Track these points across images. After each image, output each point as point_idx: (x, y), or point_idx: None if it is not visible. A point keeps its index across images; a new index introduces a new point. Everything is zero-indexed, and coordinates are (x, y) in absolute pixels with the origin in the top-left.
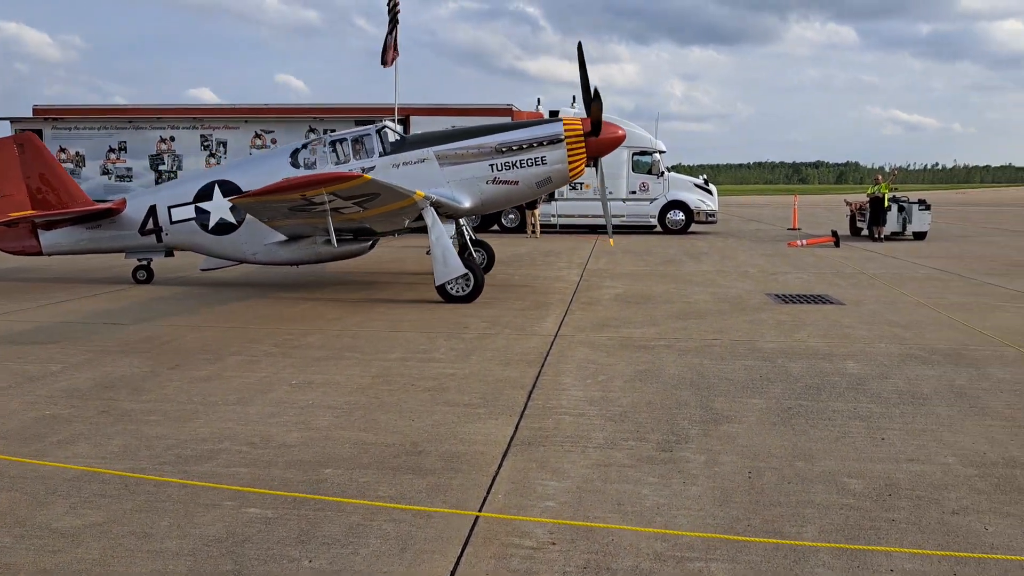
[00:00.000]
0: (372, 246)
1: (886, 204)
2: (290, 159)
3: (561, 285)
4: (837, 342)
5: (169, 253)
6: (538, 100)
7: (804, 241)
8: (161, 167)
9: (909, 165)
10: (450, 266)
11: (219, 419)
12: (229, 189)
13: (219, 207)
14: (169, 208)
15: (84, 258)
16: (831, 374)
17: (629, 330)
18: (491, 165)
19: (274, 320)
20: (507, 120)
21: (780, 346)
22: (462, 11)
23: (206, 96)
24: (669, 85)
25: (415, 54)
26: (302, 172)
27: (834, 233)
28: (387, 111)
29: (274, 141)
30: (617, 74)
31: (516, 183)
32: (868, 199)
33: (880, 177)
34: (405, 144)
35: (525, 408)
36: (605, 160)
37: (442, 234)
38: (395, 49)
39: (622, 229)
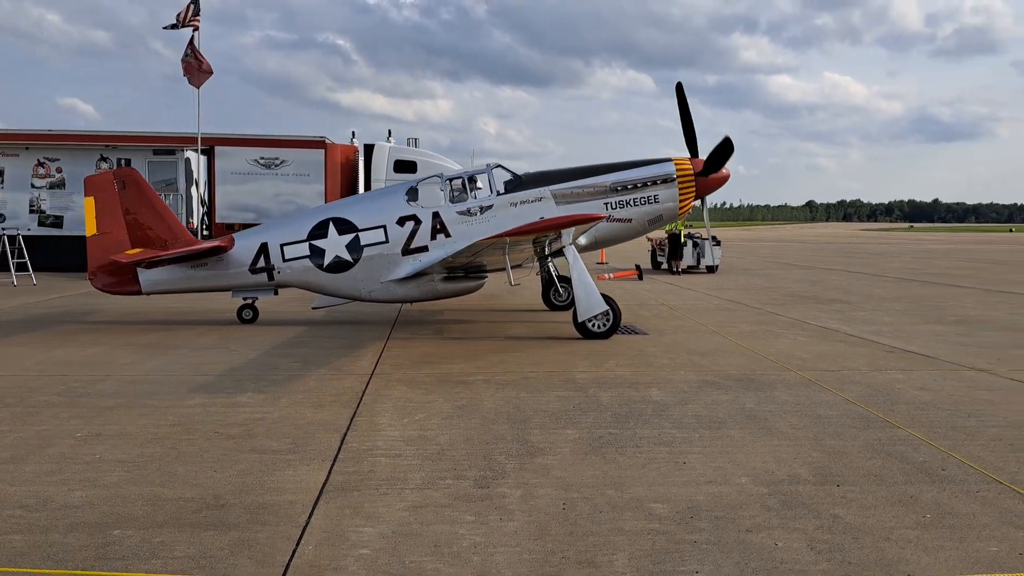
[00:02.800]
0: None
1: (682, 240)
2: (406, 197)
3: (376, 324)
4: (643, 370)
5: (275, 292)
6: (352, 133)
7: (611, 275)
8: None
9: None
10: (593, 303)
11: None
12: (344, 226)
13: (334, 244)
14: (282, 246)
15: None
16: (638, 402)
17: (448, 366)
18: (606, 203)
19: (58, 366)
20: (621, 160)
21: (591, 376)
22: (269, 40)
23: None
24: (483, 122)
25: (219, 81)
26: (421, 210)
27: (637, 267)
28: (189, 140)
29: (59, 170)
30: (431, 110)
31: (629, 221)
32: (667, 235)
33: None
34: (522, 183)
35: (339, 452)
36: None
37: (583, 271)
38: (203, 67)
39: None
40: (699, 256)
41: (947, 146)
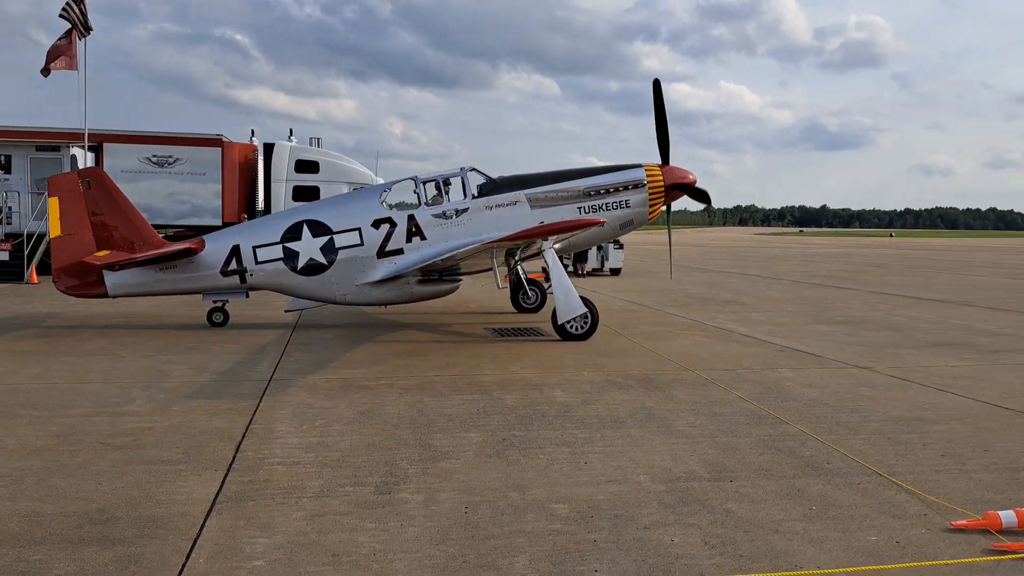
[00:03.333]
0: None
1: None
2: (381, 199)
3: (277, 327)
4: (548, 372)
5: (246, 295)
6: (252, 132)
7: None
8: None
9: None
10: (572, 305)
11: None
12: (319, 228)
13: (308, 247)
14: (254, 248)
15: None
16: (542, 403)
17: (350, 370)
18: (579, 208)
19: None
20: (593, 165)
21: (497, 379)
22: (162, 33)
23: None
24: (389, 123)
25: (109, 76)
26: (396, 212)
27: (544, 270)
28: (75, 136)
29: None
30: (336, 109)
31: (602, 224)
32: None
33: None
34: (497, 187)
35: (233, 461)
36: (326, 195)
37: (563, 274)
38: (68, 57)
39: None
40: (603, 259)
41: (835, 154)
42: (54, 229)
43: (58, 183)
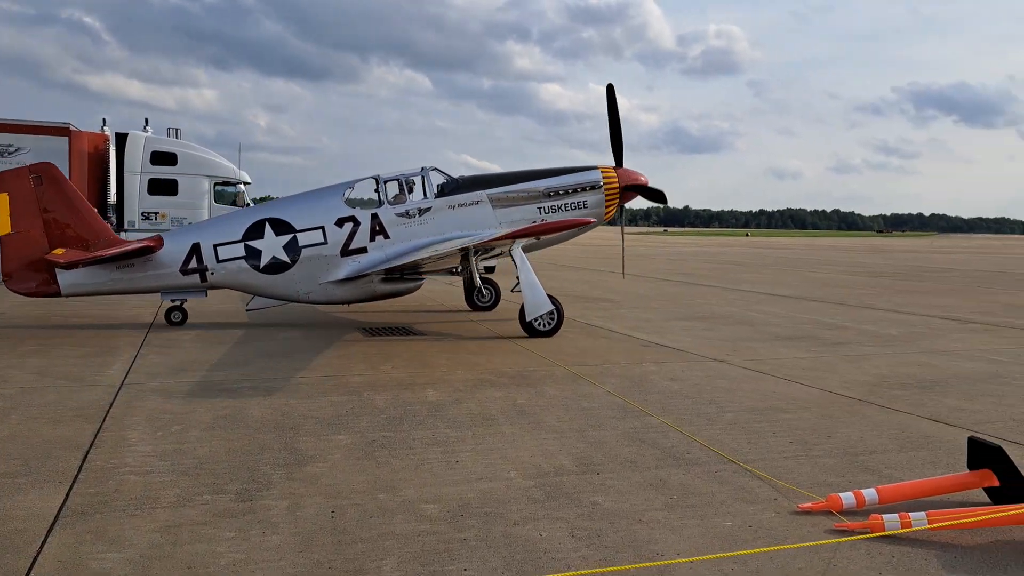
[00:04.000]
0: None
1: None
2: (343, 198)
3: (131, 328)
4: (419, 372)
5: (206, 293)
6: (103, 120)
7: None
8: None
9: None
10: (539, 303)
11: None
12: (281, 227)
13: (271, 245)
14: (215, 246)
15: None
16: (413, 403)
17: (211, 373)
18: (539, 208)
19: None
20: (552, 167)
21: (367, 379)
22: (2, 13)
23: None
24: (253, 115)
25: None
26: (359, 211)
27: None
28: None
29: None
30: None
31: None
32: None
33: None
34: (458, 186)
35: (79, 472)
36: (184, 189)
37: (530, 272)
38: None
39: None
40: None
41: (696, 157)
42: (3, 227)
43: (7, 179)
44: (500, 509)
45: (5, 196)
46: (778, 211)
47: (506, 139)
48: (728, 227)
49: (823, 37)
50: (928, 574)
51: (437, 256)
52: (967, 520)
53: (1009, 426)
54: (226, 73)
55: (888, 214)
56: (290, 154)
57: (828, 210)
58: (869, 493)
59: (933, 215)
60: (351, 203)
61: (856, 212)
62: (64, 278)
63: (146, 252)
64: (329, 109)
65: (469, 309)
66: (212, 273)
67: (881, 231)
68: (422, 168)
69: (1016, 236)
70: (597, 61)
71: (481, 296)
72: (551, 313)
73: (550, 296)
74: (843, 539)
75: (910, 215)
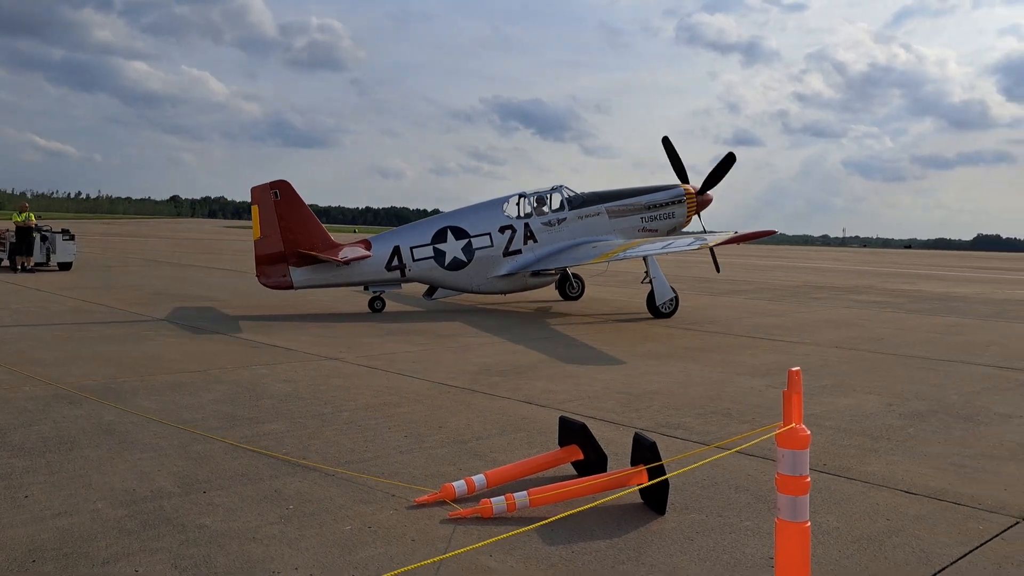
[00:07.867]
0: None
1: (35, 233)
2: (503, 210)
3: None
4: None
5: (399, 286)
6: None
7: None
8: None
9: (53, 193)
10: (666, 291)
11: None
12: (460, 233)
13: (453, 248)
14: (411, 248)
15: None
16: None
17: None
18: (641, 218)
19: None
20: (645, 185)
21: None
22: None
23: None
24: None
25: None
26: (515, 220)
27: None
28: None
29: None
30: None
31: (656, 231)
32: (15, 227)
33: (27, 204)
34: (584, 201)
35: None
36: None
37: (658, 269)
38: None
39: None
40: (49, 251)
41: (303, 151)
42: (256, 232)
43: (256, 194)
44: (84, 548)
45: (256, 208)
46: (384, 209)
47: (85, 119)
48: (337, 223)
49: (420, 44)
50: (531, 548)
51: (643, 255)
52: (560, 492)
53: (585, 404)
54: None
55: None
56: None
57: (429, 209)
58: (479, 479)
59: None
60: (508, 214)
61: None
62: (296, 274)
63: (364, 256)
64: None
65: (560, 299)
66: (409, 270)
67: None
68: (552, 187)
69: None
70: (193, 42)
71: (572, 287)
72: (672, 299)
73: (671, 287)
74: (457, 527)
75: None
